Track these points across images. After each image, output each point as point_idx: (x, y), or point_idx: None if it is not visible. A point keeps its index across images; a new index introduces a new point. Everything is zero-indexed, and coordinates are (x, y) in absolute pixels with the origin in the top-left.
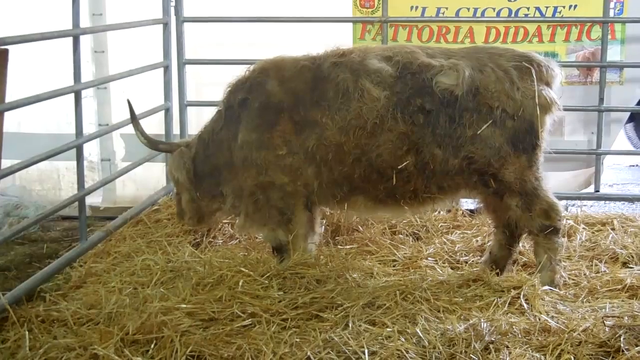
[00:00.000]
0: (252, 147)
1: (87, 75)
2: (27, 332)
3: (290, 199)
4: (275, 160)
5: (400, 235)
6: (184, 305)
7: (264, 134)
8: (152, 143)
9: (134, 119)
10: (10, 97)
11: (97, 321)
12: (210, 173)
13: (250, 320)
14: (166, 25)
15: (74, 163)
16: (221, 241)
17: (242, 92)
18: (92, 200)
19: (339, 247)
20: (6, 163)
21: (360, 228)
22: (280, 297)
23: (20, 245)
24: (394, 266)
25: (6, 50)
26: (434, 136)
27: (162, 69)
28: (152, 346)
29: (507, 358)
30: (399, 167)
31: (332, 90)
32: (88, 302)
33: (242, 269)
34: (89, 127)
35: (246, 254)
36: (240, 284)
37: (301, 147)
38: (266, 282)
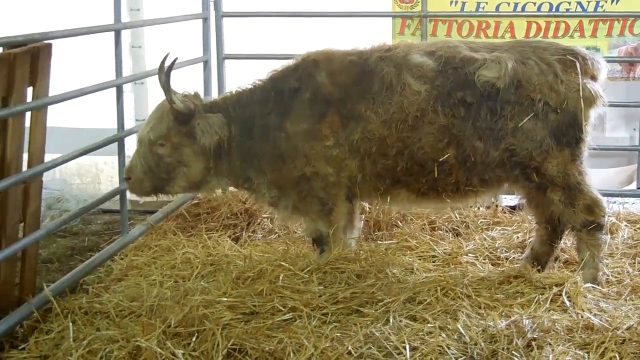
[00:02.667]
0: (302, 137)
1: (124, 71)
2: (70, 324)
3: (333, 189)
4: (322, 151)
5: (440, 231)
6: (225, 299)
7: (314, 125)
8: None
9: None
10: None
11: (139, 313)
12: (243, 157)
13: (290, 314)
14: (206, 20)
15: (112, 157)
16: (261, 235)
17: (293, 80)
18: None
19: (379, 242)
20: (46, 157)
21: (400, 223)
22: (320, 292)
23: (62, 237)
24: (433, 262)
25: (49, 45)
26: (474, 129)
27: (201, 64)
28: (194, 339)
29: (550, 355)
30: (440, 159)
31: (376, 83)
32: (130, 295)
33: (283, 263)
34: (127, 122)
35: (286, 248)
36: (280, 278)
37: (346, 139)
38: (306, 276)
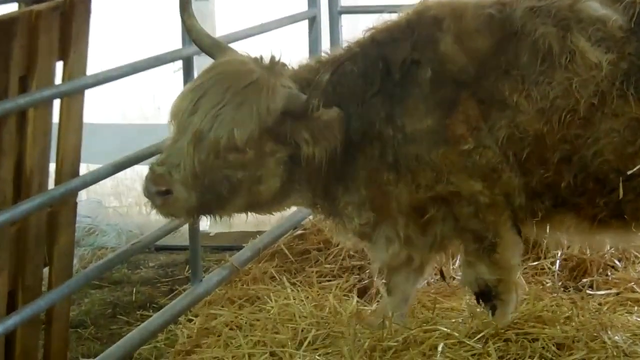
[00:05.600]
0: (426, 140)
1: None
2: None
3: (489, 214)
4: (460, 159)
5: None
6: None
7: (442, 119)
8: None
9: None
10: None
11: None
12: (329, 162)
13: None
14: None
15: None
16: None
17: (407, 48)
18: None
19: (588, 292)
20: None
21: (618, 263)
22: None
23: (97, 288)
24: None
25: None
26: None
27: (306, 22)
28: None
29: None
30: (630, 172)
31: (527, 51)
32: None
33: (441, 328)
34: None
35: (440, 302)
36: (439, 349)
37: (492, 138)
38: (479, 346)
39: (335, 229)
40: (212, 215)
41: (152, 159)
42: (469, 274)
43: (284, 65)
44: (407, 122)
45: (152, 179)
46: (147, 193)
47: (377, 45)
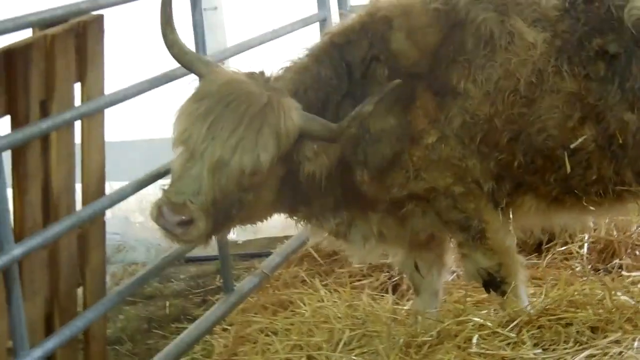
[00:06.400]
0: (391, 138)
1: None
2: None
3: (468, 202)
4: (426, 154)
5: None
6: None
7: (404, 116)
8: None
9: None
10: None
11: None
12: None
13: None
14: None
15: None
16: None
17: (364, 47)
18: None
19: (622, 273)
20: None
21: None
22: (538, 357)
23: (131, 304)
24: None
25: (100, 18)
26: (622, 94)
27: (316, 25)
28: None
29: None
30: (573, 145)
31: (471, 38)
32: None
33: (474, 319)
34: None
35: (471, 294)
36: (473, 340)
37: (450, 127)
38: (513, 335)
39: (311, 230)
40: (216, 235)
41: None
42: (469, 267)
43: (270, 78)
44: (371, 122)
45: (173, 209)
46: (166, 223)
47: (337, 47)
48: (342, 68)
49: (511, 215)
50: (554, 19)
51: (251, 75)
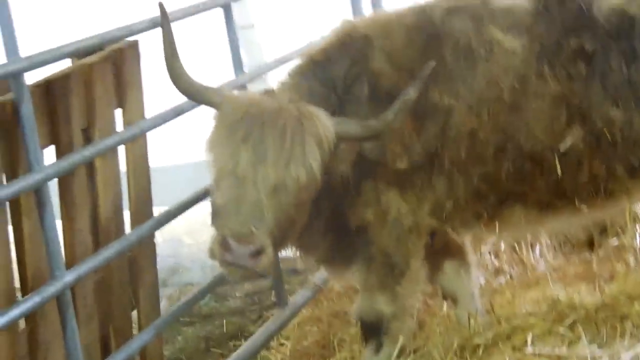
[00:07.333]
0: (368, 160)
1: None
2: None
3: (407, 240)
4: (393, 179)
5: None
6: None
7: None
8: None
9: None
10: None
11: None
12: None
13: None
14: None
15: None
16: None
17: (345, 65)
18: None
19: None
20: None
21: None
22: (595, 354)
23: (188, 325)
24: None
25: (136, 44)
26: (605, 90)
27: None
28: None
29: None
30: (562, 147)
31: (449, 51)
32: None
33: (528, 318)
34: None
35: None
36: (529, 340)
37: (425, 150)
38: (570, 332)
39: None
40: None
41: None
42: (366, 303)
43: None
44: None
45: (241, 240)
46: (237, 258)
47: (319, 65)
48: (330, 81)
49: (497, 229)
50: (529, 23)
51: (265, 93)
